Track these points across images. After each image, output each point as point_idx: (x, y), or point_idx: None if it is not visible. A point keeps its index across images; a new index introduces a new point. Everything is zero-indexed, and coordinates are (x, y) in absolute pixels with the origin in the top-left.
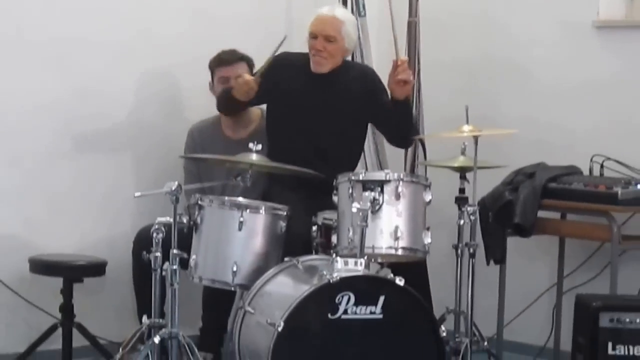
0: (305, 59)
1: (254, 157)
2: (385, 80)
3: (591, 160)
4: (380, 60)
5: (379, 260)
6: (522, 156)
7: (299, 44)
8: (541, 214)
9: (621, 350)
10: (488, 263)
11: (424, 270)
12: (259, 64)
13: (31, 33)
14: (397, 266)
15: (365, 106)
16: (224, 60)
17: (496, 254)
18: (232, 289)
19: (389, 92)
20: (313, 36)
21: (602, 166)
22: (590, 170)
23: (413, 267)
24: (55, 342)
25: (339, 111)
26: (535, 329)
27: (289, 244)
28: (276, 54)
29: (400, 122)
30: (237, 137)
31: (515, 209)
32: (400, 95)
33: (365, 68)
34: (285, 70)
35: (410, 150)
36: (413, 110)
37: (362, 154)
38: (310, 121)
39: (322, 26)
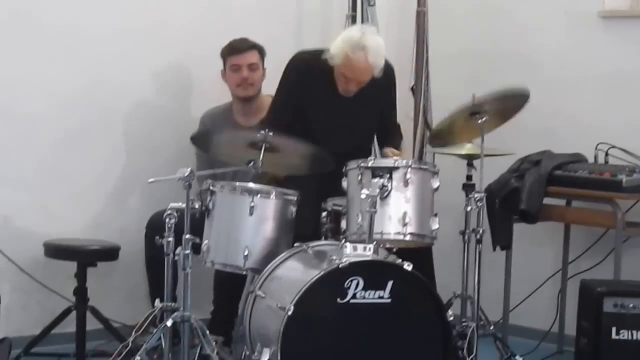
0: (326, 65)
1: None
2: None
3: (596, 148)
4: (389, 49)
5: (387, 245)
6: (528, 144)
7: (309, 35)
8: (547, 200)
9: (625, 334)
10: (494, 249)
11: (429, 256)
12: (271, 53)
13: (47, 21)
14: (403, 252)
15: (382, 107)
16: (236, 49)
17: (502, 240)
18: (244, 273)
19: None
20: (345, 76)
21: (606, 154)
22: (595, 158)
23: (418, 253)
24: (69, 325)
25: (361, 118)
26: (540, 313)
27: (299, 229)
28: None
29: None
30: (248, 124)
31: (521, 195)
32: None
33: (386, 70)
34: (308, 82)
35: (418, 137)
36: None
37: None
38: (332, 128)
39: (357, 74)
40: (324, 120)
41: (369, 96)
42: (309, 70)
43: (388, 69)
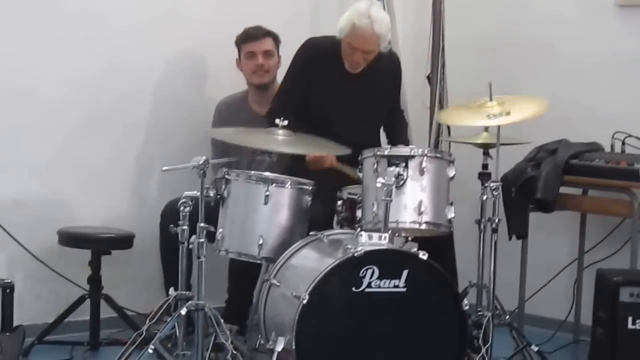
0: (335, 48)
1: (280, 132)
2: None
3: (613, 137)
4: (405, 37)
5: (403, 234)
6: (544, 133)
7: (324, 24)
8: (563, 190)
9: None
10: (510, 238)
11: (451, 244)
12: (286, 41)
13: (63, 8)
14: (423, 240)
15: (390, 96)
16: (251, 36)
17: (518, 229)
18: (258, 261)
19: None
20: (351, 47)
21: (623, 143)
22: (612, 147)
23: (439, 242)
24: (83, 313)
25: (370, 104)
26: (556, 303)
27: (312, 217)
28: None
29: None
30: (264, 111)
31: (537, 184)
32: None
33: (392, 58)
34: (319, 63)
35: (434, 126)
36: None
37: None
38: (341, 115)
39: (362, 43)
40: (332, 103)
41: (376, 81)
42: (319, 54)
43: (394, 57)
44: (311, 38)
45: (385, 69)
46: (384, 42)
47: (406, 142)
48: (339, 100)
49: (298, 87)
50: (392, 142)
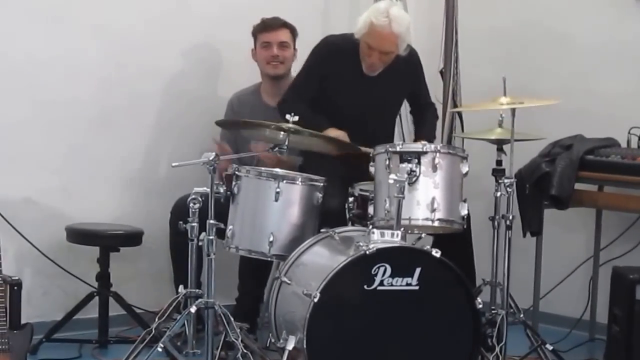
0: (353, 49)
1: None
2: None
3: (629, 132)
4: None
5: (416, 231)
6: (559, 128)
7: (337, 19)
8: (578, 186)
9: None
10: (524, 235)
11: (469, 241)
12: (301, 35)
13: (75, 4)
14: (441, 237)
15: (406, 93)
16: (268, 26)
17: (533, 225)
18: (269, 259)
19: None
20: (369, 46)
21: (639, 138)
22: (628, 143)
23: (456, 239)
24: (91, 311)
25: (386, 106)
26: (572, 301)
27: (324, 214)
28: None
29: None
30: (276, 103)
31: (552, 180)
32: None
33: (410, 56)
34: (337, 60)
35: (447, 122)
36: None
37: (400, 124)
38: (356, 112)
39: (380, 42)
40: (348, 100)
41: (393, 79)
42: (336, 51)
43: (412, 54)
44: (329, 35)
45: (404, 69)
46: (403, 44)
47: (429, 137)
48: (355, 98)
49: (312, 82)
50: (416, 135)
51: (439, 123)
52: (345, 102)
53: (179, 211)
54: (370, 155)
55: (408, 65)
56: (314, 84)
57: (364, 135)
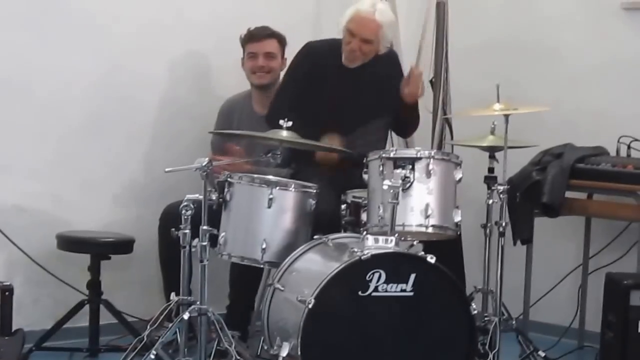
0: (336, 47)
1: (284, 133)
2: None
3: (618, 141)
4: (409, 41)
5: (409, 238)
6: (549, 137)
7: (327, 26)
8: (568, 194)
9: None
10: (515, 243)
11: (459, 248)
12: (289, 43)
13: (65, 10)
14: (431, 244)
15: (389, 93)
16: (254, 36)
17: (523, 233)
18: (262, 266)
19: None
20: (350, 33)
21: (629, 147)
22: (617, 151)
23: (447, 245)
24: (82, 319)
25: (366, 101)
26: (561, 309)
27: (316, 221)
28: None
29: (407, 119)
30: (264, 112)
31: (543, 188)
32: (410, 100)
33: (390, 55)
34: (317, 60)
35: (437, 130)
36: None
37: (390, 132)
38: (338, 110)
39: (361, 28)
40: (327, 91)
41: (373, 75)
42: (315, 51)
43: (392, 56)
44: (309, 42)
45: (382, 66)
46: (384, 39)
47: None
48: (334, 90)
49: (294, 84)
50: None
51: (428, 131)
52: (326, 95)
53: (168, 218)
54: (365, 161)
55: (390, 66)
56: (297, 84)
57: (348, 133)
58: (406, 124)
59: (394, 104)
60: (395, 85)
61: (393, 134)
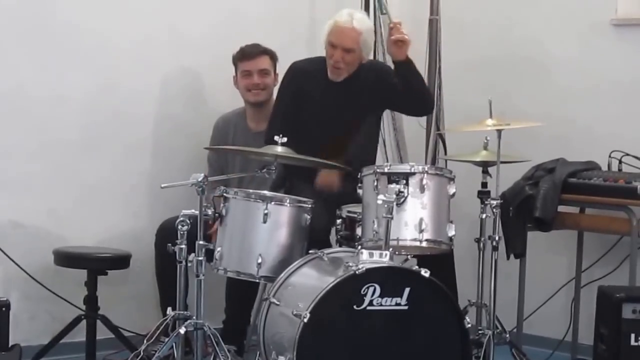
0: (321, 64)
1: (279, 149)
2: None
3: (610, 156)
4: None
5: (403, 252)
6: (541, 152)
7: (320, 43)
8: (560, 208)
9: None
10: (508, 257)
11: (451, 263)
12: (282, 60)
13: (61, 26)
14: (423, 258)
15: (377, 100)
16: (247, 54)
17: (517, 248)
18: (257, 280)
19: (391, 59)
20: (332, 45)
21: (620, 162)
22: (609, 166)
23: (439, 260)
24: (79, 334)
25: (355, 113)
26: (554, 322)
27: (310, 236)
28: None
29: (409, 82)
30: (259, 129)
31: (536, 203)
32: (400, 56)
33: (375, 65)
34: (303, 80)
35: (430, 145)
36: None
37: (384, 149)
38: (328, 125)
39: (341, 38)
40: (315, 106)
41: (360, 87)
42: (301, 70)
43: (384, 67)
44: (293, 62)
45: (368, 77)
46: (365, 45)
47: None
48: (322, 106)
49: (286, 111)
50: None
51: (422, 147)
52: (316, 113)
53: (164, 234)
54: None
55: (375, 71)
56: (287, 106)
57: (337, 148)
58: (411, 90)
59: (387, 97)
60: (385, 88)
61: (386, 148)
